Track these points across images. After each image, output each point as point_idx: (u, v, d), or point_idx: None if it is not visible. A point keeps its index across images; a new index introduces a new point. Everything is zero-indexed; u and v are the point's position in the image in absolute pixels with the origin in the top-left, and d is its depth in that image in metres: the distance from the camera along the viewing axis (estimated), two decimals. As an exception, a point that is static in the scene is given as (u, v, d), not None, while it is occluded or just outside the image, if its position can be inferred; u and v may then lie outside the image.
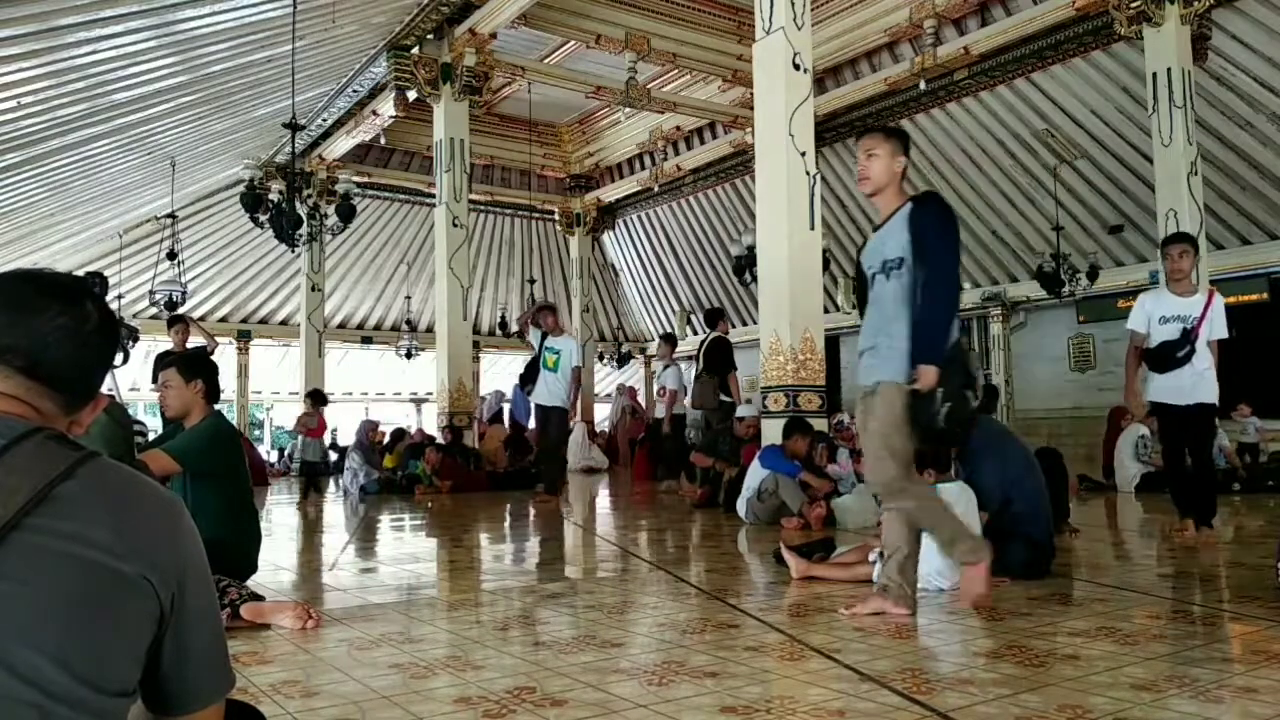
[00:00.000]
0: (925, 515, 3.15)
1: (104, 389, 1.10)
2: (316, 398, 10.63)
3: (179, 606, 0.96)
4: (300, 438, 10.81)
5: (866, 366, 3.18)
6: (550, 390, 8.12)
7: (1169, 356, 4.95)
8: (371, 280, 18.60)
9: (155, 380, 8.06)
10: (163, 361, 8.00)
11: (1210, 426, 5.21)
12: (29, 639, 0.86)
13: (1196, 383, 4.93)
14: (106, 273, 15.12)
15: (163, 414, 7.71)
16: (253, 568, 3.54)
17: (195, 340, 8.22)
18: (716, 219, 16.96)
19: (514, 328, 9.70)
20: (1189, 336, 4.91)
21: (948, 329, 3.03)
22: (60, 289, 1.02)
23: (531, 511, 7.28)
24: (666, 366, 10.22)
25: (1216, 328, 5.00)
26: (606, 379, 21.82)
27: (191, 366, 3.43)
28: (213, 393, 3.46)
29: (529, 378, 8.36)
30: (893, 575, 3.13)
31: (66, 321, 1.00)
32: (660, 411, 9.97)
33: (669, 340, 10.69)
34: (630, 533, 6.32)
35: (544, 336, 8.21)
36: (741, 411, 8.13)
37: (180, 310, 14.18)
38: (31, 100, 7.87)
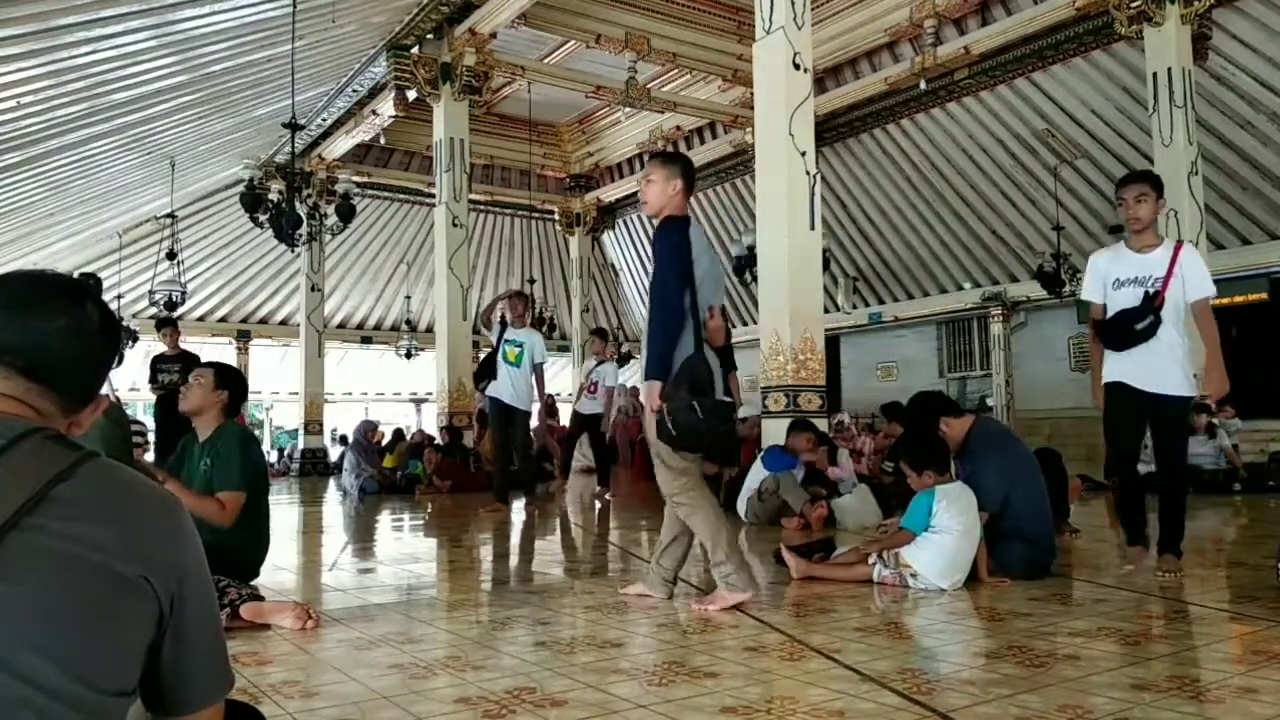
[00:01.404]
0: (700, 527, 3.35)
1: (103, 390, 1.10)
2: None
3: (178, 607, 0.96)
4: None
5: None
6: (515, 388, 7.34)
7: (1127, 330, 3.88)
8: (371, 280, 18.60)
9: (153, 380, 8.08)
10: (160, 367, 8.04)
11: (1181, 426, 4.10)
12: (28, 640, 0.85)
13: (1165, 364, 3.81)
14: (106, 273, 15.17)
15: (159, 413, 7.74)
16: (256, 572, 3.55)
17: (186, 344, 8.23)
18: (716, 219, 16.96)
19: (478, 323, 8.40)
20: (1151, 303, 3.84)
21: (663, 348, 3.25)
22: (62, 290, 1.02)
23: (524, 515, 7.21)
24: (600, 363, 9.42)
25: (1193, 284, 3.87)
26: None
27: (226, 376, 3.55)
28: (232, 407, 3.54)
29: (485, 373, 7.62)
30: (714, 565, 3.34)
31: (68, 322, 1.00)
32: (587, 408, 9.23)
33: (602, 335, 10.04)
34: (630, 533, 6.32)
35: (504, 328, 7.49)
36: (742, 412, 8.12)
37: (180, 310, 14.23)
38: (31, 100, 7.87)
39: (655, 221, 3.46)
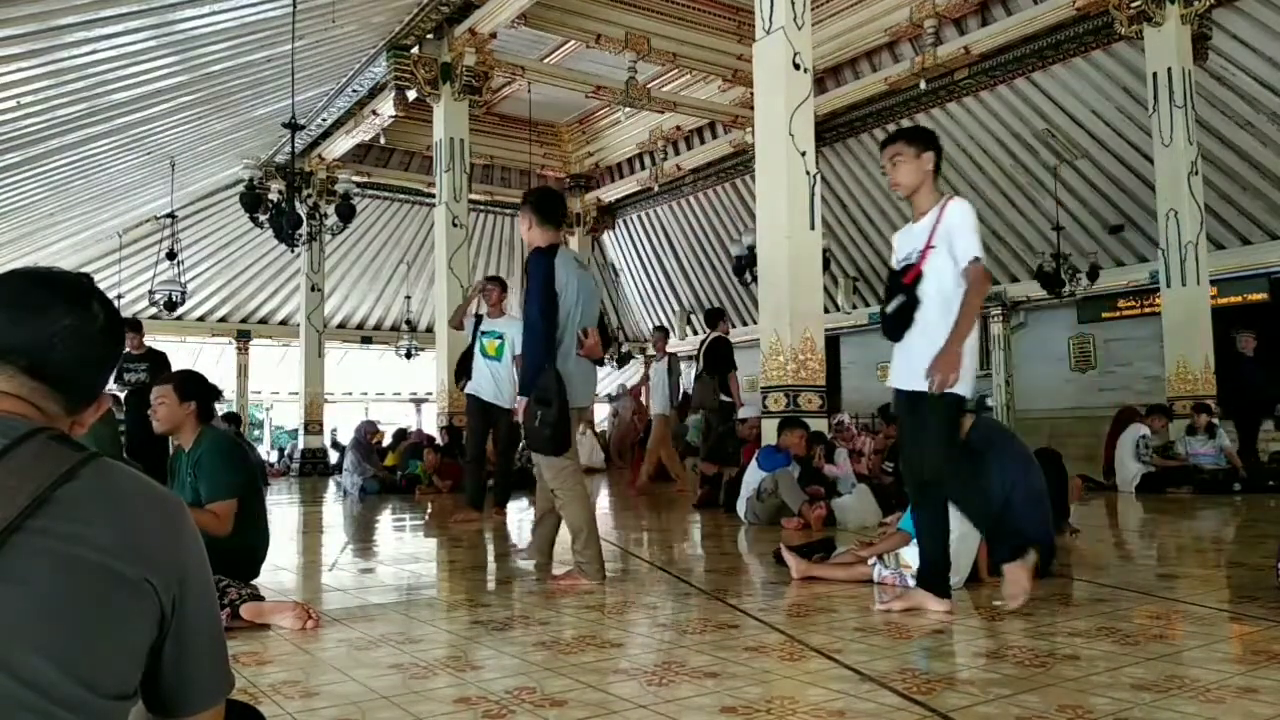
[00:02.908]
0: (570, 517, 3.88)
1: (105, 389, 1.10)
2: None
3: (180, 608, 0.96)
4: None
5: None
6: (497, 384, 6.74)
7: (883, 316, 3.30)
8: (371, 280, 18.60)
9: (119, 379, 7.96)
10: (126, 366, 7.93)
11: (925, 427, 3.16)
12: (30, 641, 0.85)
13: (924, 354, 3.05)
14: (106, 273, 15.18)
15: (130, 412, 7.63)
16: (256, 571, 3.55)
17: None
18: (716, 219, 16.96)
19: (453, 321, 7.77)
20: (900, 279, 3.19)
21: (531, 368, 3.80)
22: (66, 289, 1.01)
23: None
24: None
25: (960, 245, 3.07)
26: (607, 378, 21.79)
27: (187, 387, 3.45)
28: (207, 412, 3.49)
29: (465, 370, 7.04)
30: (575, 550, 3.87)
31: (72, 322, 0.99)
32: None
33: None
34: (630, 533, 6.32)
35: (479, 319, 6.93)
36: (744, 413, 8.12)
37: (180, 310, 14.24)
38: (31, 100, 7.87)
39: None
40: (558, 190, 4.63)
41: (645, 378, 10.17)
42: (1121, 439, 8.65)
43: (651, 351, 10.56)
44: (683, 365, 11.36)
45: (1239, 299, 11.98)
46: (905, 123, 13.20)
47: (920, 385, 3.06)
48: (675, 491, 9.35)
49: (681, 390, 10.57)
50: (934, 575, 3.19)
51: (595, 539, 3.85)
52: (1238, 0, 9.70)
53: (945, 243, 3.10)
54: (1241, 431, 8.92)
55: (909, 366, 3.13)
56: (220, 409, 8.75)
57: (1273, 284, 11.94)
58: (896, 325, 3.18)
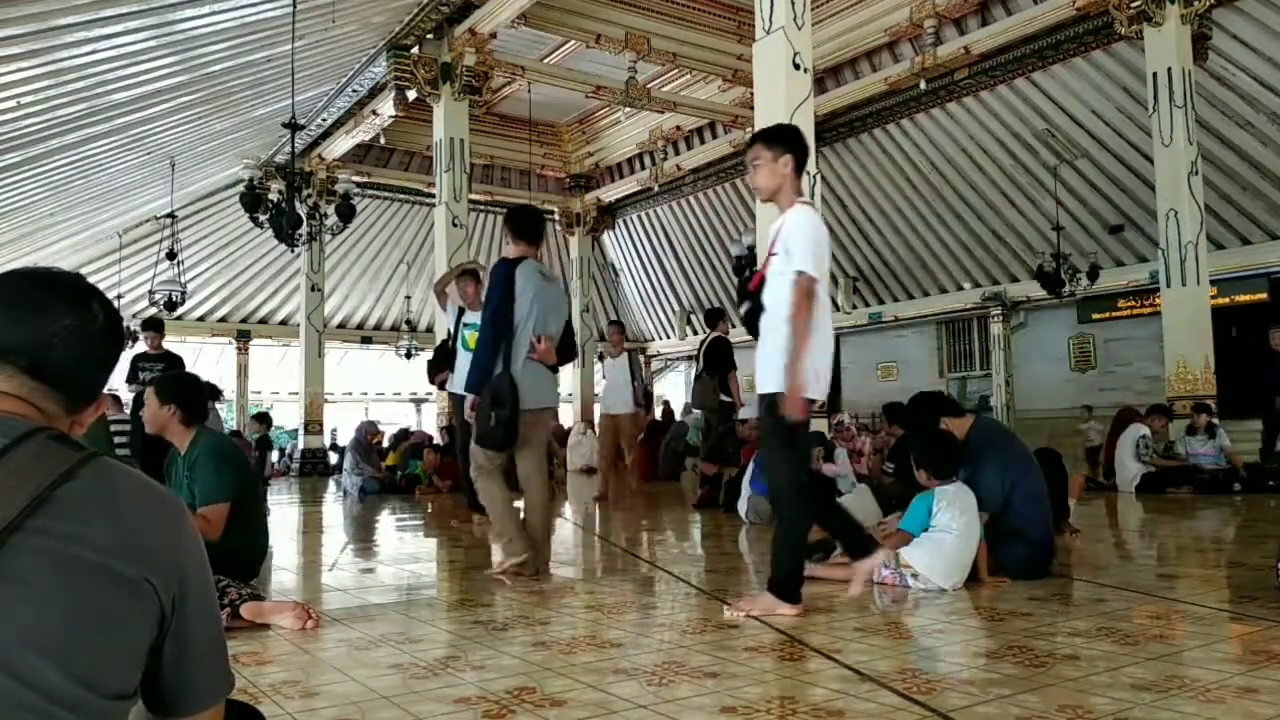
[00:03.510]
0: (490, 509, 4.17)
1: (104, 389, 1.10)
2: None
3: (180, 608, 0.96)
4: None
5: None
6: None
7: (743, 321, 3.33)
8: (371, 280, 18.60)
9: (131, 380, 7.98)
10: (142, 366, 7.95)
11: (767, 433, 3.25)
12: (30, 641, 0.85)
13: (762, 357, 3.15)
14: (106, 273, 15.19)
15: (135, 412, 7.62)
16: (256, 571, 3.55)
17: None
18: (716, 219, 16.96)
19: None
20: (747, 285, 3.30)
21: (479, 367, 4.06)
22: (67, 289, 1.01)
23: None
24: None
25: (793, 255, 3.06)
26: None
27: (167, 391, 3.45)
28: (191, 415, 3.47)
29: (444, 364, 6.69)
30: (494, 535, 4.25)
31: (72, 322, 0.99)
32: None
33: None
34: (630, 533, 6.32)
35: (462, 311, 6.53)
36: (744, 413, 8.11)
37: (180, 310, 14.23)
38: (31, 100, 7.87)
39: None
40: (535, 209, 4.77)
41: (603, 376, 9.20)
42: (1121, 439, 8.65)
43: (607, 347, 9.47)
44: (654, 362, 10.95)
45: (1239, 299, 11.99)
46: (905, 123, 13.22)
47: (770, 388, 3.09)
48: (597, 496, 8.65)
49: (643, 389, 9.51)
50: (787, 583, 3.12)
51: (508, 522, 4.14)
52: (1238, 0, 9.70)
53: (784, 250, 3.09)
54: (1267, 430, 8.89)
55: (761, 368, 3.15)
56: (221, 408, 8.68)
57: (1273, 284, 11.95)
58: (749, 329, 3.26)
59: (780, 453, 3.16)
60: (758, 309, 3.18)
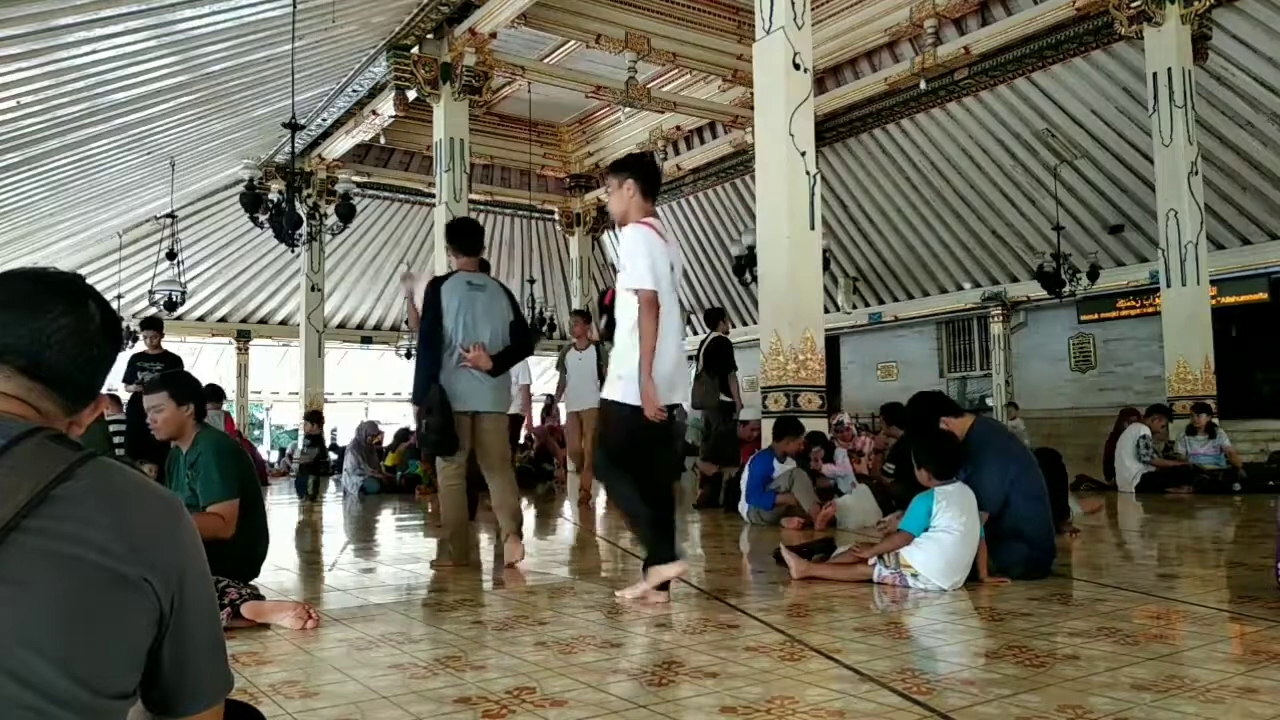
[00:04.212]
0: (446, 509, 4.41)
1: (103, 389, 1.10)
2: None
3: (179, 608, 0.96)
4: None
5: None
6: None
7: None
8: (371, 280, 18.61)
9: (129, 379, 7.92)
10: (141, 365, 7.91)
11: (610, 430, 3.55)
12: (28, 641, 0.85)
13: (612, 363, 3.51)
14: (106, 273, 15.19)
15: (131, 412, 7.57)
16: (257, 571, 3.54)
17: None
18: (716, 219, 16.97)
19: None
20: (604, 299, 3.85)
21: (416, 381, 4.38)
22: (64, 288, 1.01)
23: (533, 509, 7.16)
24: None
25: (629, 273, 3.35)
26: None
27: (181, 391, 3.41)
28: (202, 412, 3.48)
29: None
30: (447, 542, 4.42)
31: (70, 322, 0.99)
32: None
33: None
34: (630, 533, 6.31)
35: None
36: (745, 415, 8.10)
37: (180, 310, 14.22)
38: (31, 100, 7.87)
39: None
40: (469, 221, 4.92)
41: (562, 368, 8.33)
42: (1121, 439, 8.65)
43: (570, 340, 8.52)
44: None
45: (1239, 299, 11.99)
46: (905, 123, 13.22)
47: (610, 395, 3.45)
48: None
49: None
50: (655, 548, 3.41)
51: (460, 534, 4.41)
52: (1238, 0, 9.70)
53: (623, 268, 3.38)
54: None
55: (609, 374, 3.51)
56: (219, 417, 8.60)
57: (1273, 284, 11.95)
58: (609, 340, 3.69)
59: (614, 446, 3.48)
60: (611, 323, 3.53)
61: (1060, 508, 5.21)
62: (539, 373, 10.41)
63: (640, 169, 3.54)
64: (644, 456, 3.42)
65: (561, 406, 8.24)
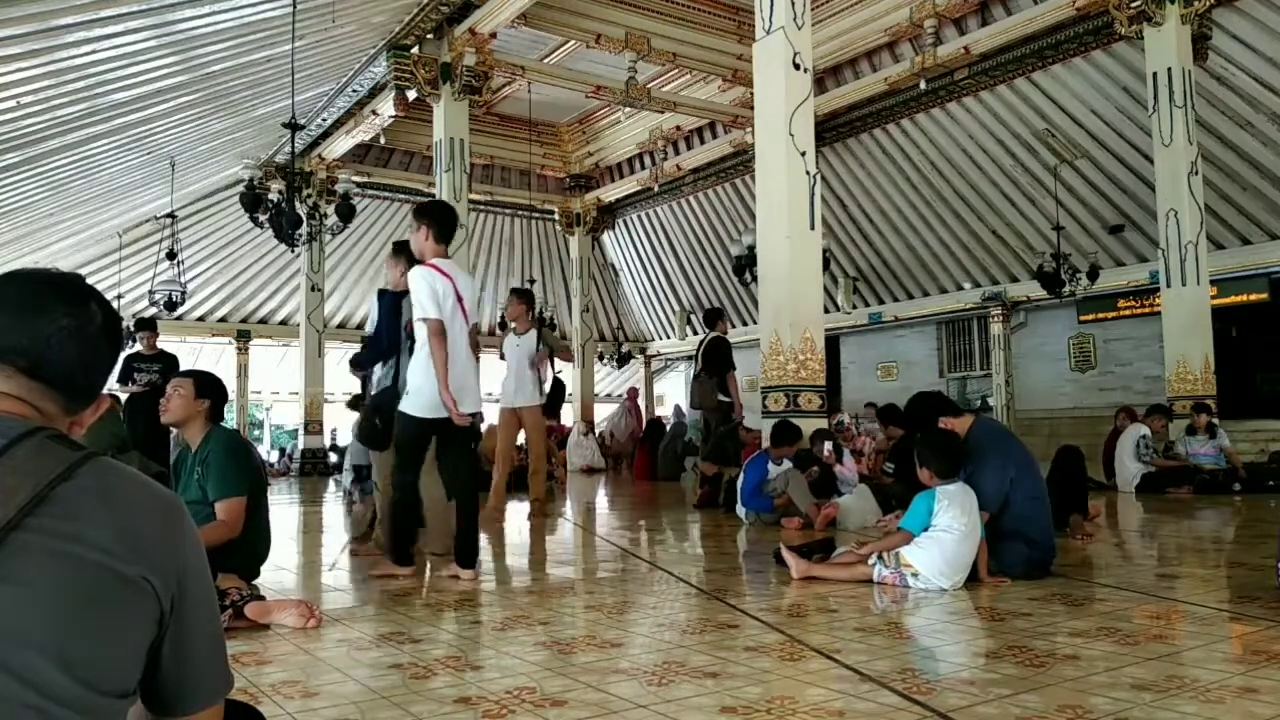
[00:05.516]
0: (386, 511, 4.48)
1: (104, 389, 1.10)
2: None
3: (179, 608, 0.96)
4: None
5: None
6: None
7: None
8: (371, 280, 18.56)
9: (124, 380, 7.90)
10: (137, 366, 7.90)
11: (399, 436, 4.21)
12: (29, 640, 0.85)
13: (411, 377, 4.16)
14: (106, 273, 15.18)
15: (130, 413, 7.57)
16: (257, 571, 3.55)
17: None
18: (716, 219, 16.96)
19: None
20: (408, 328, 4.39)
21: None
22: (65, 289, 1.02)
23: (527, 509, 7.10)
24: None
25: (417, 307, 3.99)
26: (607, 379, 21.79)
27: (206, 386, 3.51)
28: (216, 413, 3.52)
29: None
30: (382, 539, 4.60)
31: (70, 322, 0.99)
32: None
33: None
34: (630, 533, 6.32)
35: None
36: (749, 423, 8.11)
37: (180, 310, 14.22)
38: (31, 100, 7.86)
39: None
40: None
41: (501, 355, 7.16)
42: (1121, 439, 8.65)
43: (510, 324, 7.30)
44: (654, 362, 9.29)
45: (1239, 299, 11.99)
46: (905, 123, 13.22)
47: (406, 408, 4.06)
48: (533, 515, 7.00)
49: (555, 379, 7.86)
50: (398, 547, 4.13)
51: (432, 519, 4.53)
52: (1238, 0, 9.70)
53: (415, 304, 3.97)
54: None
55: (409, 388, 4.10)
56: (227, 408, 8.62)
57: (1273, 284, 11.94)
58: (417, 360, 4.07)
59: (398, 441, 4.14)
60: (412, 343, 4.12)
61: (1080, 505, 5.22)
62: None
63: (435, 215, 4.09)
64: (419, 456, 4.13)
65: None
